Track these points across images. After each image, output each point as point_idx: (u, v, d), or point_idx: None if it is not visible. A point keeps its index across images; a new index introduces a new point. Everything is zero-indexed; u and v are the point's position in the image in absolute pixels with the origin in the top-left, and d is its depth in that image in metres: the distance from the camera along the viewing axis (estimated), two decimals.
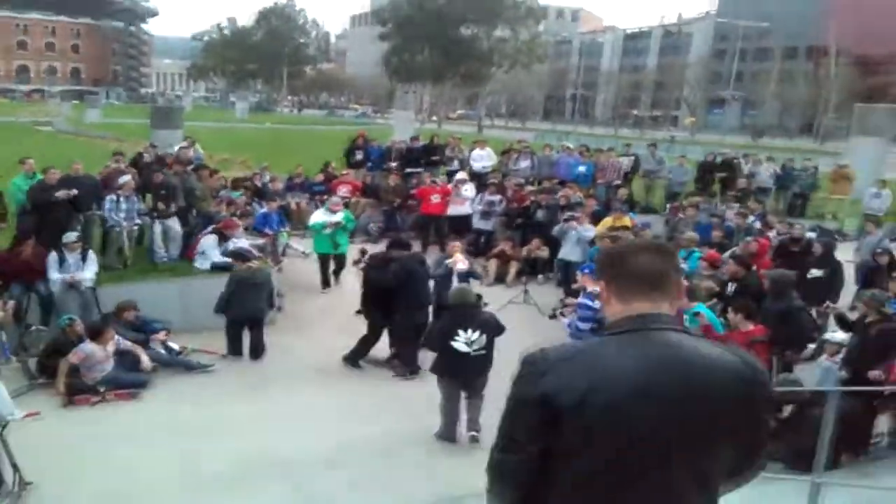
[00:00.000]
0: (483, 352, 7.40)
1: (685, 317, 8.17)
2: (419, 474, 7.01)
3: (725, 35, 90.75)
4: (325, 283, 13.08)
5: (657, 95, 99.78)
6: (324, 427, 8.04)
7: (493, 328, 7.61)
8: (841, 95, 61.57)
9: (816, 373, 7.28)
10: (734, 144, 43.73)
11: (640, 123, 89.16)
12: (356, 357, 9.80)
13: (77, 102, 68.79)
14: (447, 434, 7.57)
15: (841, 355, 7.13)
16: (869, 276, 10.62)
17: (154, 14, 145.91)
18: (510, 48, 75.56)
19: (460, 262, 10.05)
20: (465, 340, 7.33)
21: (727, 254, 10.72)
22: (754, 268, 9.98)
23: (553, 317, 11.30)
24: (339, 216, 12.89)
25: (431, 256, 12.15)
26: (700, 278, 9.75)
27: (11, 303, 9.48)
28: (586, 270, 8.65)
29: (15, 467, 6.47)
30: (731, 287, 9.25)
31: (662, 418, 1.86)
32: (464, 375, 7.42)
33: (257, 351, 10.06)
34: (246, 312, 9.98)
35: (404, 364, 9.45)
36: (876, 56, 70.80)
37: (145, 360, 9.34)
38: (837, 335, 7.32)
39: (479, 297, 8.77)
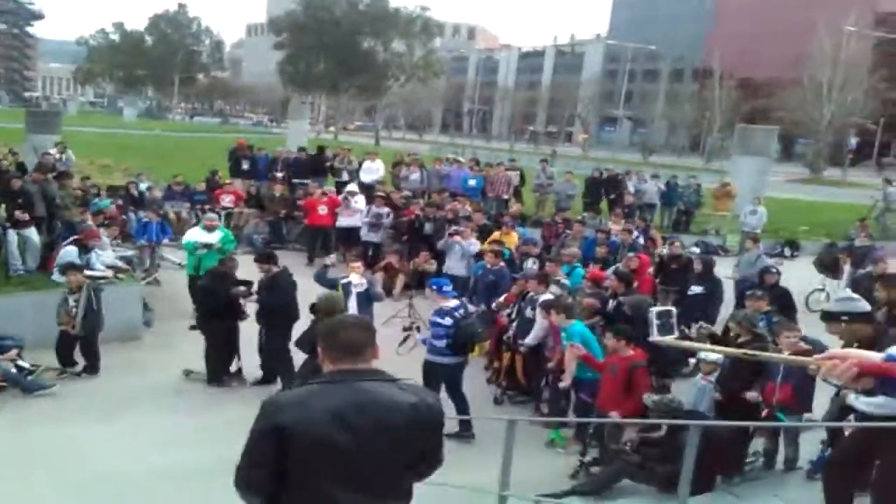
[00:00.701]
0: None
1: (562, 335, 8.02)
2: None
3: (616, 56, 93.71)
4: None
5: (552, 112, 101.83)
6: (178, 448, 7.55)
7: None
8: (726, 116, 64.15)
9: (691, 393, 7.19)
10: (626, 161, 44.83)
11: (535, 139, 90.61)
12: (216, 375, 9.35)
13: None
14: None
15: (716, 374, 7.06)
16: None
17: (40, 17, 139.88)
18: (406, 62, 75.73)
19: (357, 281, 9.48)
20: None
21: (610, 270, 10.65)
22: (635, 285, 9.94)
23: (408, 329, 10.56)
24: (214, 236, 11.63)
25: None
26: (583, 295, 9.63)
27: None
28: (433, 286, 8.40)
29: None
30: (612, 304, 9.15)
31: (357, 439, 2.67)
32: None
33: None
34: (101, 325, 9.48)
35: (285, 383, 8.93)
36: (757, 79, 74.28)
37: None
38: (711, 354, 7.26)
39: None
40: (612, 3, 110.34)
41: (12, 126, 41.07)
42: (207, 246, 11.35)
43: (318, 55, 73.87)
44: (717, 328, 8.93)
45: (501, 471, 5.50)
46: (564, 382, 7.81)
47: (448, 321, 7.95)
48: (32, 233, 11.65)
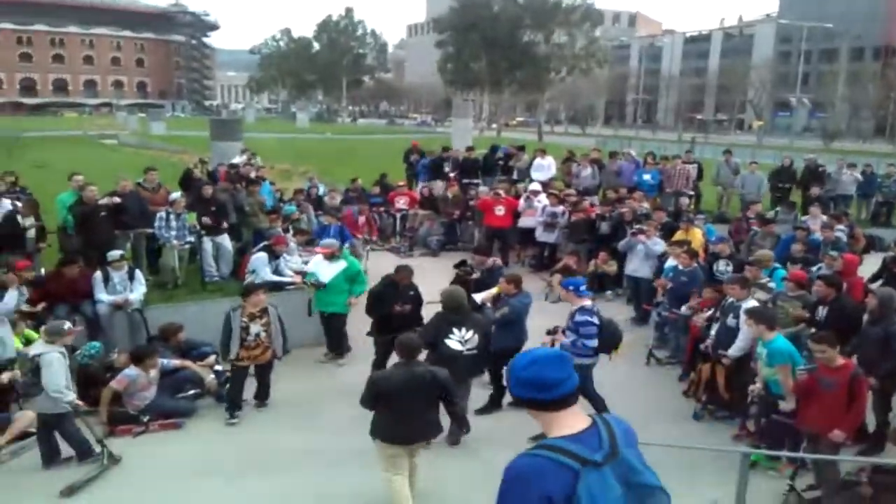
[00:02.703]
0: (475, 352, 7.49)
1: (757, 348, 7.37)
2: None
3: (788, 37, 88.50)
4: (332, 348, 10.52)
5: (721, 99, 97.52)
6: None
7: (487, 330, 7.77)
8: None
9: None
10: (804, 148, 42.04)
11: (704, 127, 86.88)
12: None
13: (143, 116, 69.37)
14: None
15: None
16: None
17: (215, 28, 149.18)
18: (568, 53, 74.60)
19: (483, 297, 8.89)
20: (459, 339, 7.42)
21: (814, 272, 9.74)
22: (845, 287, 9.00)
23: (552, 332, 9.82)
24: (336, 267, 10.06)
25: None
26: (786, 300, 8.86)
27: (80, 328, 8.88)
28: (571, 287, 7.87)
29: (101, 443, 7.36)
30: (821, 311, 8.31)
31: (410, 390, 5.99)
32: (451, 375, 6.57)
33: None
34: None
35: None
36: None
37: (210, 379, 9.01)
38: None
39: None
40: None
41: (197, 134, 44.00)
42: (317, 285, 10.07)
43: (478, 52, 74.20)
44: None
45: None
46: (786, 406, 7.07)
47: (596, 319, 7.66)
48: (225, 240, 12.11)
